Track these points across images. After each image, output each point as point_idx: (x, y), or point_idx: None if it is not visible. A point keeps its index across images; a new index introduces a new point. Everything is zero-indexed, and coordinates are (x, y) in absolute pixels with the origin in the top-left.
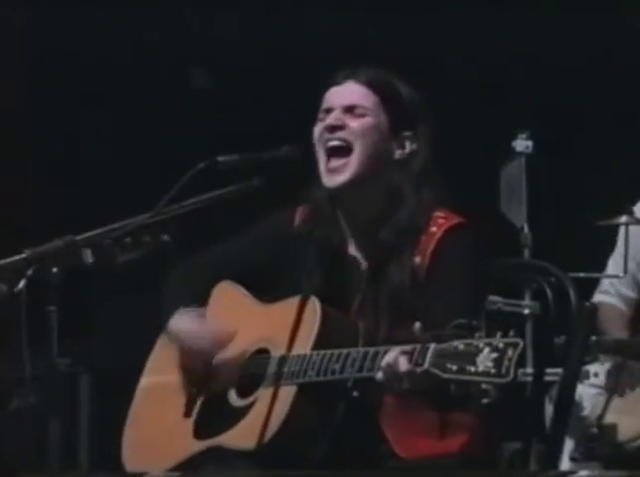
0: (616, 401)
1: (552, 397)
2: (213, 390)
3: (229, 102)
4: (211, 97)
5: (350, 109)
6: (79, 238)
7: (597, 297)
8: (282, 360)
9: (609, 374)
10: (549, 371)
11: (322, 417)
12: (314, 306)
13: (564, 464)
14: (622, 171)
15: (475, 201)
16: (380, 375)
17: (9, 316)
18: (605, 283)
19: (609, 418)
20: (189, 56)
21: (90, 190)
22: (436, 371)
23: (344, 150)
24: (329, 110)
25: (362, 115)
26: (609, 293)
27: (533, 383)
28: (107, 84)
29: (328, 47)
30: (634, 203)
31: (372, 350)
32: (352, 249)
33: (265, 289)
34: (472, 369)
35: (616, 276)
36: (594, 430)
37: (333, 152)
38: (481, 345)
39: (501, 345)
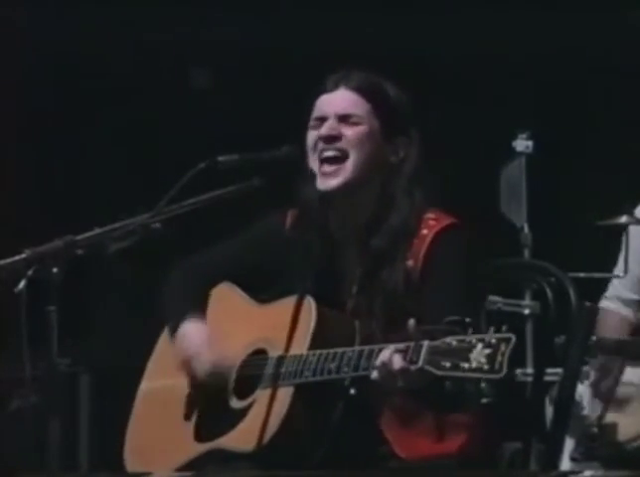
0: (616, 401)
1: (552, 398)
2: (212, 392)
3: (229, 102)
4: (211, 97)
5: (344, 118)
6: (79, 237)
7: (602, 304)
8: (279, 360)
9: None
10: (549, 371)
11: (320, 417)
12: (310, 305)
13: (565, 464)
14: (622, 171)
15: (475, 201)
16: (375, 373)
17: (9, 316)
18: (609, 289)
19: (609, 418)
20: (189, 56)
21: (90, 190)
22: (430, 368)
23: (339, 159)
24: (322, 119)
25: (356, 124)
26: (612, 299)
27: (533, 383)
28: (107, 84)
29: (328, 47)
30: (634, 203)
31: (367, 348)
32: (345, 254)
33: (261, 291)
34: (466, 365)
35: (617, 276)
36: (595, 430)
37: (328, 160)
38: (474, 341)
39: (493, 340)
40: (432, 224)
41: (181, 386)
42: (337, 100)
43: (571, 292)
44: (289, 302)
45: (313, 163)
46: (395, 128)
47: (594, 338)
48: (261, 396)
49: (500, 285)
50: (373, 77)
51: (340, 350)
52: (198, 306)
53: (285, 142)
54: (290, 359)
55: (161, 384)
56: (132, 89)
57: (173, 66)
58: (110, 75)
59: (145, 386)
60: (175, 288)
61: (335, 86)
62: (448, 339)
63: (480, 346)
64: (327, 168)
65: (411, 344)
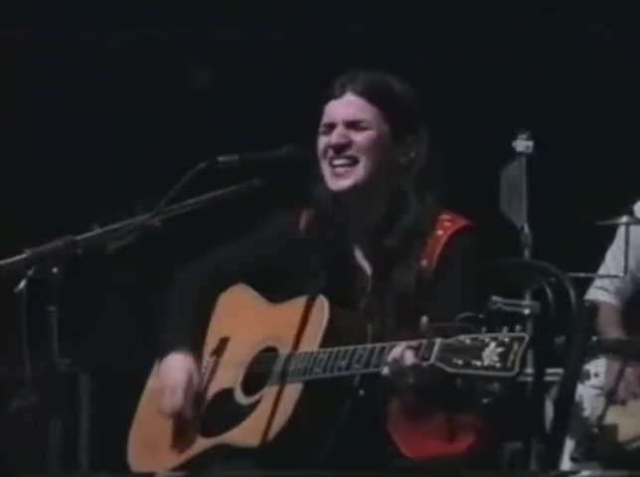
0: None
1: (552, 398)
2: (219, 388)
3: (229, 102)
4: (211, 97)
5: (353, 124)
6: (79, 238)
7: (592, 293)
8: (289, 358)
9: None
10: (549, 371)
11: (327, 415)
12: (322, 305)
13: (565, 464)
14: (622, 171)
15: (475, 201)
16: (386, 370)
17: (9, 316)
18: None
19: (609, 418)
20: (189, 56)
21: (91, 190)
22: (442, 365)
23: (350, 165)
24: (331, 125)
25: (365, 128)
26: (604, 289)
27: (533, 383)
28: (107, 84)
29: (328, 47)
30: (634, 203)
31: (378, 346)
32: (357, 254)
33: (273, 291)
34: (478, 363)
35: (616, 276)
36: (595, 430)
37: (339, 166)
38: (487, 339)
39: (507, 339)
40: (448, 225)
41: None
42: (344, 107)
43: (572, 292)
44: (301, 301)
45: (324, 168)
46: (404, 128)
47: (594, 338)
48: (270, 392)
49: (500, 285)
50: (380, 77)
51: (351, 347)
52: (202, 314)
53: (285, 142)
54: (300, 356)
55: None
56: (132, 89)
57: (173, 66)
58: (110, 74)
59: (152, 382)
60: (182, 292)
61: (342, 91)
62: (462, 337)
63: (493, 344)
64: (338, 170)
65: (424, 341)
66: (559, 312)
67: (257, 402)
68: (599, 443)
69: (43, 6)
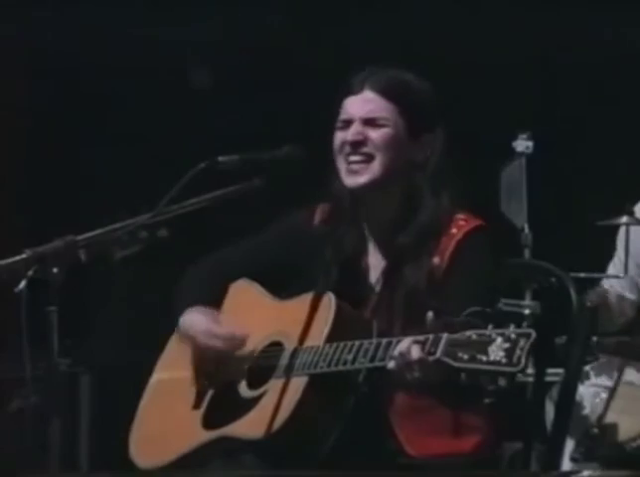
0: (617, 401)
1: (552, 398)
2: (223, 382)
3: (229, 102)
4: (211, 97)
5: (370, 121)
6: (79, 238)
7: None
8: (294, 352)
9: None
10: (549, 371)
11: (331, 410)
12: (329, 301)
13: (565, 464)
14: (622, 171)
15: (475, 201)
16: (391, 363)
17: (9, 316)
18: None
19: (610, 418)
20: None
21: (90, 190)
22: (448, 359)
23: (366, 162)
24: (349, 122)
25: (382, 126)
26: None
27: (533, 383)
28: (107, 84)
29: (328, 47)
30: (634, 203)
31: (384, 340)
32: (371, 250)
33: (282, 288)
34: (483, 358)
35: (617, 277)
36: (595, 430)
37: (355, 163)
38: (494, 335)
39: (513, 335)
40: (462, 224)
41: (191, 377)
42: (362, 103)
43: (572, 292)
44: (308, 298)
45: (340, 163)
46: (420, 126)
47: (595, 338)
48: (274, 385)
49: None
50: (398, 75)
51: (357, 342)
52: (213, 304)
53: (286, 142)
54: (306, 350)
55: (171, 376)
56: (132, 89)
57: (173, 66)
58: (110, 74)
59: (155, 378)
60: (190, 287)
61: (360, 88)
62: (468, 332)
63: (500, 340)
64: (354, 166)
65: (431, 335)
66: (559, 312)
67: (262, 396)
68: (600, 443)
69: (43, 6)
